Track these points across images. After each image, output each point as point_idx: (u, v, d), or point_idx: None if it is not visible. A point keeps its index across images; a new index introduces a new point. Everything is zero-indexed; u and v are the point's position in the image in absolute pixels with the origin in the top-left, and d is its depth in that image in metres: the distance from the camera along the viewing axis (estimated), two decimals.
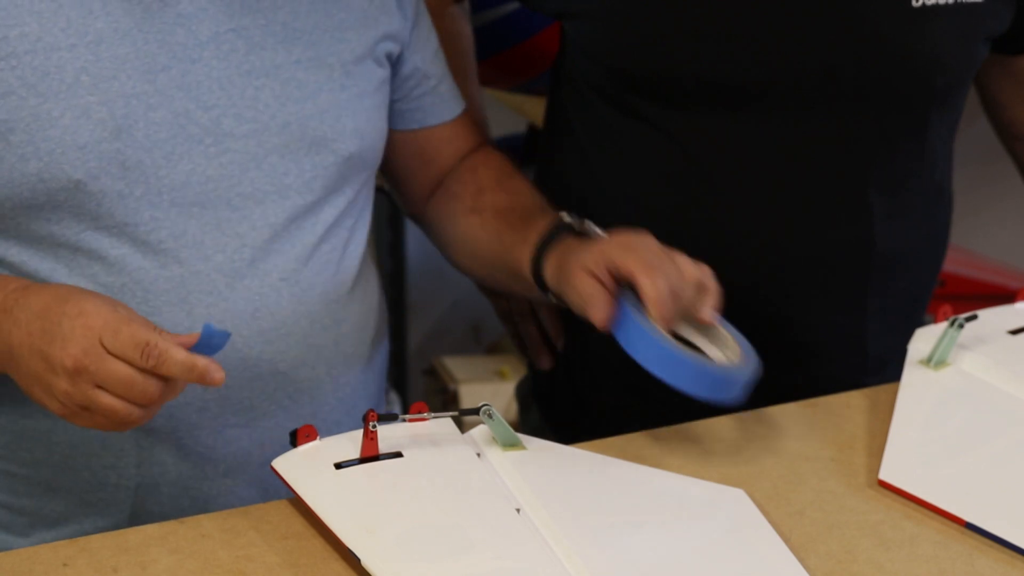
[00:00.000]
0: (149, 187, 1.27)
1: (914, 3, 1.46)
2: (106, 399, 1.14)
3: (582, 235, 1.40)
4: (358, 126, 1.38)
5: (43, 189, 1.23)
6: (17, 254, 1.27)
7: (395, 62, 1.45)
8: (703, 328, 1.33)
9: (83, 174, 1.24)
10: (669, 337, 1.26)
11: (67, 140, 1.23)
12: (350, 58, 1.37)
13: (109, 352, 1.13)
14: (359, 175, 1.42)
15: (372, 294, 1.46)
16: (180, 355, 1.13)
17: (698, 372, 1.25)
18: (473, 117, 1.61)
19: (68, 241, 1.26)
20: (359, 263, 1.43)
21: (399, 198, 1.60)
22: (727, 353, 1.32)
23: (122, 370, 1.13)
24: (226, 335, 1.15)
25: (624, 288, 1.29)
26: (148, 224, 1.27)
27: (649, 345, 1.24)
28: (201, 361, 1.13)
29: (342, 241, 1.40)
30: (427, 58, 1.49)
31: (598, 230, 1.39)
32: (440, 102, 1.51)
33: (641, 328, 1.25)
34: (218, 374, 1.13)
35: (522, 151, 2.47)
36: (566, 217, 1.42)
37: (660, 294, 1.25)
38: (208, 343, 1.15)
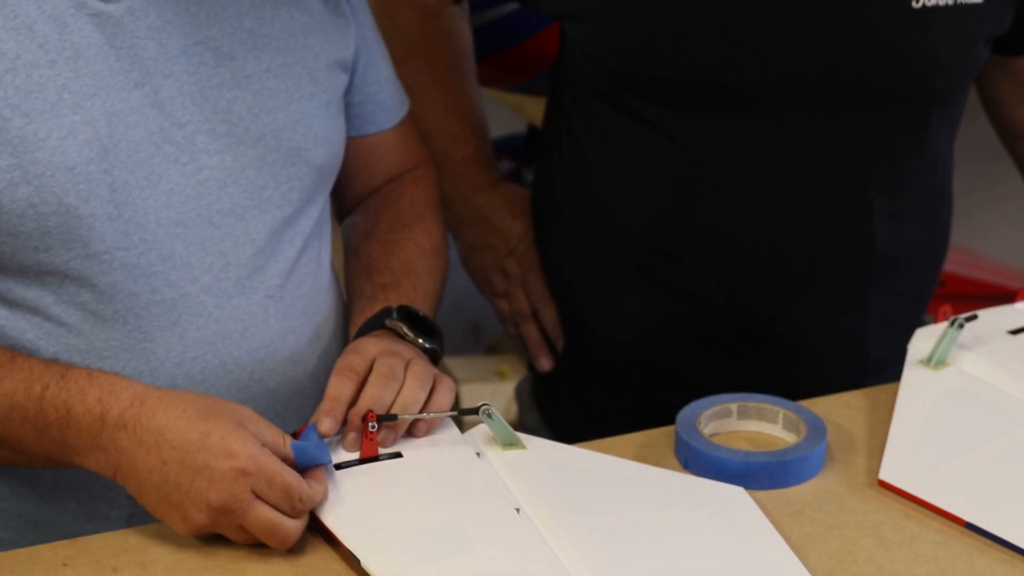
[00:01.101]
0: (136, 209, 1.24)
1: (914, 4, 1.46)
2: (245, 536, 1.15)
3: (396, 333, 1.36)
4: (327, 134, 1.37)
5: (33, 215, 1.19)
6: (1, 282, 1.23)
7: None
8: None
9: (73, 197, 1.20)
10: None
11: (56, 162, 1.19)
12: (316, 64, 1.35)
13: (258, 497, 1.13)
14: (327, 184, 1.40)
15: (338, 299, 1.45)
16: (320, 494, 1.17)
17: None
18: (452, 139, 1.58)
19: (57, 269, 1.22)
20: (329, 272, 1.43)
21: (333, 203, 1.56)
22: None
23: (269, 515, 1.13)
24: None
25: None
26: (138, 247, 1.24)
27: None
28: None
29: (316, 252, 1.39)
30: (369, 63, 1.46)
31: (406, 331, 1.34)
32: (379, 110, 1.49)
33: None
34: None
35: (522, 151, 2.47)
36: (390, 316, 1.36)
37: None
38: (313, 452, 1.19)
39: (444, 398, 1.28)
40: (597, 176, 1.61)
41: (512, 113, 2.44)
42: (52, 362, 1.21)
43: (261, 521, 1.13)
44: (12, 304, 1.24)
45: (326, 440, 1.21)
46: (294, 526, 1.14)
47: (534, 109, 2.29)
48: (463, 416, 1.27)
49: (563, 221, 1.68)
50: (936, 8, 1.47)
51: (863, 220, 1.55)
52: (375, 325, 1.35)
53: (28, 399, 1.18)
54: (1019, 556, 1.18)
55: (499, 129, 2.24)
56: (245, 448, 1.13)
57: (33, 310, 1.24)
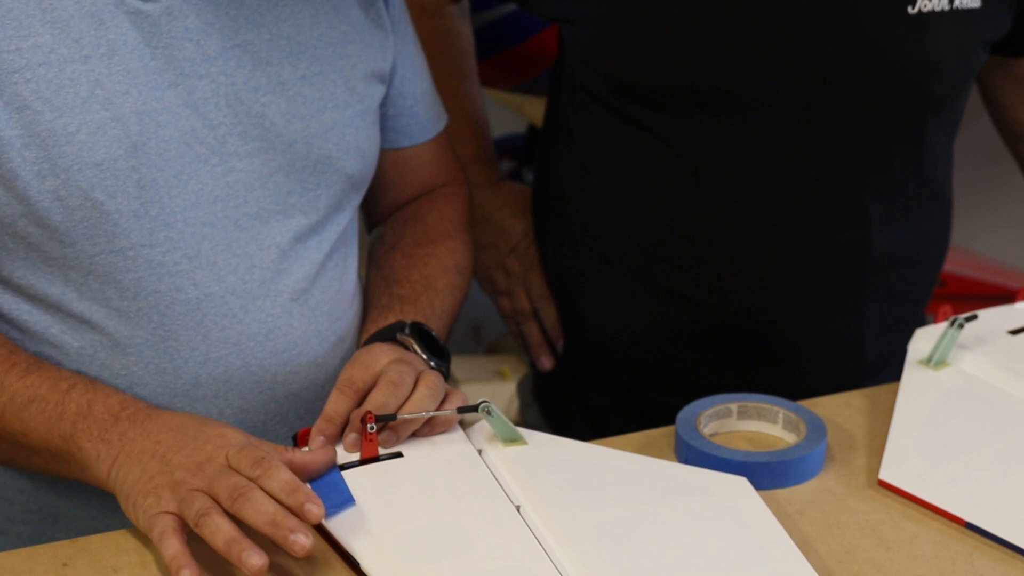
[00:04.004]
0: (163, 207, 1.24)
1: (910, 10, 1.46)
2: (199, 494, 1.10)
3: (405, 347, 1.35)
4: (360, 144, 1.37)
5: (60, 208, 1.20)
6: (24, 276, 1.24)
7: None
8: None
9: (100, 192, 1.21)
10: None
11: (84, 156, 1.20)
12: (353, 74, 1.36)
13: (230, 466, 1.13)
14: (358, 193, 1.41)
15: (363, 307, 1.45)
16: (287, 475, 1.11)
17: None
18: (452, 138, 1.57)
19: (81, 264, 1.23)
20: (356, 278, 1.43)
21: (363, 213, 1.56)
22: None
23: (233, 478, 1.11)
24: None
25: None
26: (163, 245, 1.25)
27: None
28: (305, 489, 1.11)
29: (343, 259, 1.39)
30: (405, 76, 1.46)
31: (417, 348, 1.33)
32: (414, 124, 1.49)
33: None
34: (315, 511, 1.10)
35: (522, 151, 2.47)
36: (402, 330, 1.36)
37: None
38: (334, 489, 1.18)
39: (455, 406, 1.28)
40: (595, 179, 1.61)
41: (512, 113, 2.44)
42: (76, 373, 1.24)
43: (226, 481, 1.10)
44: (36, 299, 1.25)
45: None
46: (252, 492, 1.10)
47: (534, 109, 2.29)
48: (463, 414, 1.27)
49: (562, 222, 1.68)
50: (933, 14, 1.47)
51: (860, 225, 1.55)
52: (386, 336, 1.35)
53: (53, 392, 1.19)
54: (1019, 556, 1.18)
55: (499, 129, 2.24)
56: (235, 434, 1.15)
57: (56, 306, 1.25)
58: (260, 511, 1.09)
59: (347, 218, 1.39)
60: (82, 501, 1.30)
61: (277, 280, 1.31)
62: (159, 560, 1.15)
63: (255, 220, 1.30)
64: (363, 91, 1.37)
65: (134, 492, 1.13)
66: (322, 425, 1.24)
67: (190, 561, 1.07)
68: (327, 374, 1.36)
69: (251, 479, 1.11)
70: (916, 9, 1.46)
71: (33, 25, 1.19)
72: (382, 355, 1.29)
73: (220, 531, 1.08)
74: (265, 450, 1.14)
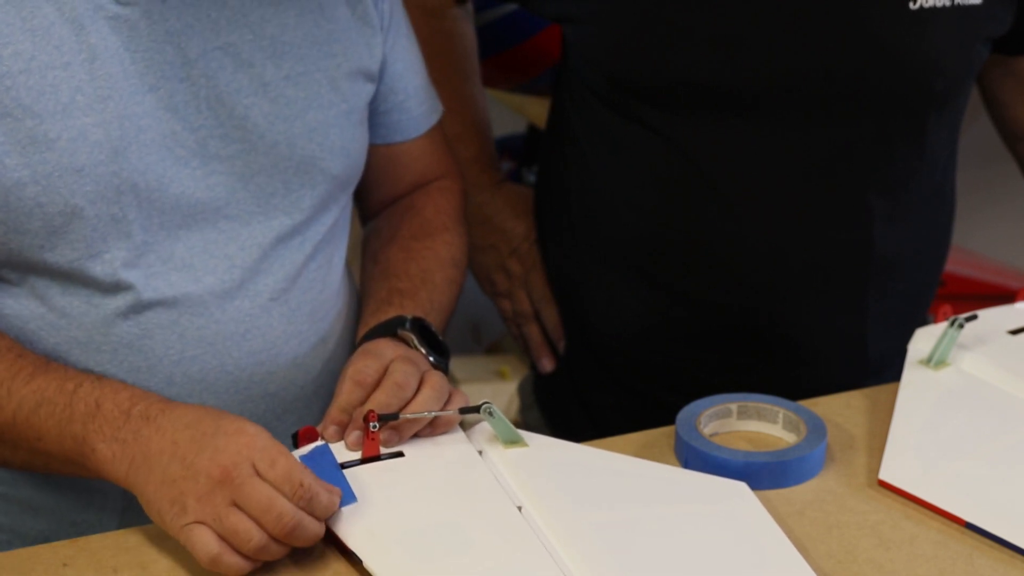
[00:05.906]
0: (141, 210, 1.24)
1: (911, 5, 1.46)
2: (238, 517, 1.10)
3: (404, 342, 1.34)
4: (345, 144, 1.36)
5: (40, 214, 1.20)
6: (7, 274, 1.24)
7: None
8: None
9: (81, 199, 1.21)
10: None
11: (64, 163, 1.20)
12: (338, 73, 1.35)
13: (260, 475, 1.11)
14: (344, 193, 1.40)
15: (351, 305, 1.45)
16: (327, 499, 1.13)
17: None
18: (454, 139, 1.57)
19: (60, 267, 1.23)
20: (341, 278, 1.43)
21: (357, 207, 1.56)
22: None
23: (265, 491, 1.10)
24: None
25: None
26: (140, 248, 1.25)
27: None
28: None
29: (327, 258, 1.39)
30: (396, 72, 1.45)
31: (417, 344, 1.33)
32: (406, 119, 1.48)
33: None
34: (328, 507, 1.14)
35: (522, 151, 2.47)
36: (403, 325, 1.35)
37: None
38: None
39: (457, 407, 1.27)
40: (597, 178, 1.61)
41: (513, 113, 2.44)
42: (87, 371, 1.23)
43: (257, 493, 1.10)
44: (19, 293, 1.25)
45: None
46: (292, 509, 1.11)
47: (535, 109, 2.29)
48: (464, 414, 1.27)
49: (564, 222, 1.68)
50: (933, 9, 1.47)
51: (862, 222, 1.55)
52: (386, 331, 1.35)
53: (60, 393, 1.19)
54: (1019, 556, 1.18)
55: (500, 129, 2.24)
56: (257, 431, 1.13)
57: (40, 298, 1.25)
58: (311, 539, 1.13)
59: (333, 218, 1.39)
60: (59, 495, 1.31)
61: (256, 280, 1.31)
62: (159, 560, 1.15)
63: (235, 222, 1.30)
64: (348, 90, 1.37)
65: (157, 498, 1.13)
66: (336, 415, 1.24)
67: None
68: (306, 375, 1.36)
69: (287, 496, 1.12)
70: (917, 5, 1.46)
71: (13, 33, 1.19)
72: (389, 349, 1.30)
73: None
74: (298, 468, 1.13)
